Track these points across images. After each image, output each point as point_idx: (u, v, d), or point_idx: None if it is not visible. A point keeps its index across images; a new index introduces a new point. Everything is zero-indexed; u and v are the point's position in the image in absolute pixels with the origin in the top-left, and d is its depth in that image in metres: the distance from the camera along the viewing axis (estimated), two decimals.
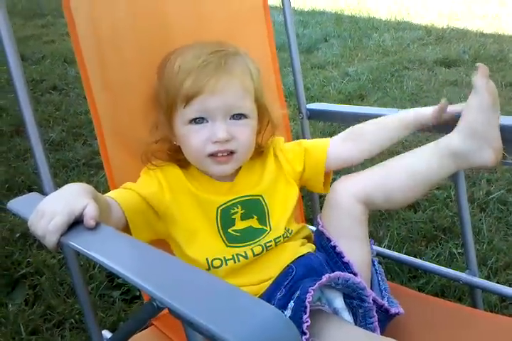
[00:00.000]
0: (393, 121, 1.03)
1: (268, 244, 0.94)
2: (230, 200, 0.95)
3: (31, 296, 1.60)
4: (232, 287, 0.53)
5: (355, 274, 0.88)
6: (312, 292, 0.79)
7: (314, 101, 1.37)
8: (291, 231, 0.99)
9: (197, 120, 0.91)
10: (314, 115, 1.34)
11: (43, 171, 0.92)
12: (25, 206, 0.76)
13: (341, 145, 1.03)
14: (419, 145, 0.96)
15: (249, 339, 0.46)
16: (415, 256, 1.60)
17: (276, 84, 1.25)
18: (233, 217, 0.95)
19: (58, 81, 3.66)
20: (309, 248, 0.98)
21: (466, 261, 1.18)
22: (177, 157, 0.98)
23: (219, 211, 0.94)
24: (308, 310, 0.78)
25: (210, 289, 0.54)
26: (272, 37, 1.25)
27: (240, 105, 0.91)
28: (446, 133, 0.95)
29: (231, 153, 0.92)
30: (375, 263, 0.98)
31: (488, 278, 1.56)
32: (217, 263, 0.92)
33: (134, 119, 1.04)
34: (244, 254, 0.93)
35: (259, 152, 1.02)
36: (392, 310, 0.90)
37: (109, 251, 0.64)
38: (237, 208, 0.95)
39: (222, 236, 0.94)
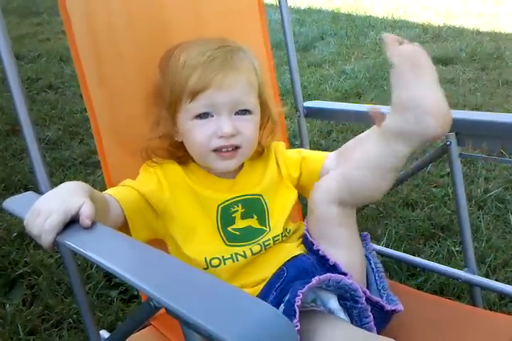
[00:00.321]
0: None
1: (267, 243, 0.94)
2: (231, 198, 0.95)
3: (29, 296, 1.60)
4: (230, 286, 0.53)
5: (345, 274, 0.86)
6: (301, 295, 0.78)
7: (311, 100, 1.37)
8: (290, 230, 0.98)
9: (202, 115, 0.91)
10: (311, 113, 1.33)
11: (38, 170, 0.92)
12: (21, 205, 0.76)
13: (335, 159, 0.99)
14: None
15: (248, 338, 0.45)
16: (414, 255, 1.60)
17: (271, 83, 1.25)
18: (233, 215, 0.95)
19: (54, 79, 3.65)
20: (303, 249, 0.96)
21: (465, 258, 1.17)
22: (178, 154, 0.98)
23: (219, 208, 0.94)
24: (297, 314, 0.76)
25: (207, 288, 0.53)
26: (267, 35, 1.24)
27: (245, 101, 0.92)
28: None
29: (236, 148, 0.92)
30: (371, 261, 0.97)
31: (486, 275, 1.56)
32: (215, 262, 0.91)
33: (131, 117, 1.03)
34: (243, 254, 0.92)
35: (260, 152, 1.02)
36: (388, 307, 0.88)
37: (105, 251, 0.64)
38: (238, 207, 0.95)
39: (222, 235, 0.94)
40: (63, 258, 0.96)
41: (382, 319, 0.90)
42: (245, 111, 0.92)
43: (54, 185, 0.79)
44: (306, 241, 0.94)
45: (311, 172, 1.01)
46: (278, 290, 0.88)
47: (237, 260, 0.92)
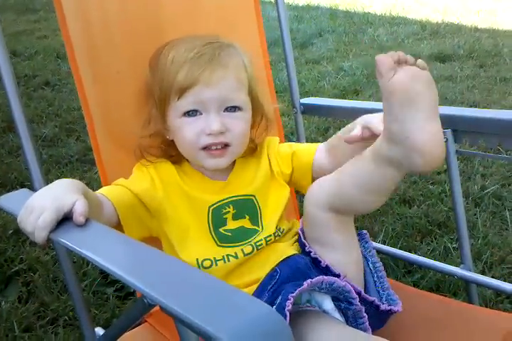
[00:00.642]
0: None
1: (259, 243, 0.93)
2: (222, 200, 0.94)
3: (24, 293, 1.59)
4: (224, 284, 0.52)
5: (338, 276, 0.85)
6: (292, 299, 0.77)
7: (309, 96, 1.37)
8: (283, 230, 0.98)
9: (191, 112, 0.90)
10: (308, 110, 1.33)
11: (33, 167, 0.91)
12: (15, 202, 0.76)
13: (324, 154, 0.99)
14: None
15: (242, 336, 0.45)
16: (410, 251, 1.60)
17: (267, 79, 1.24)
18: (225, 216, 0.94)
19: (51, 76, 3.64)
20: (297, 249, 0.95)
21: (461, 255, 1.17)
22: (170, 152, 0.97)
23: (210, 210, 0.93)
24: (288, 318, 0.75)
25: (201, 286, 0.53)
26: (263, 32, 1.24)
27: (234, 97, 0.91)
28: None
29: (225, 146, 0.91)
30: (369, 261, 0.95)
31: (483, 272, 1.57)
32: (207, 263, 0.91)
33: (126, 115, 1.03)
34: (234, 255, 0.92)
35: (252, 149, 1.01)
36: (382, 307, 0.87)
37: (99, 248, 0.63)
38: (229, 208, 0.94)
39: (214, 236, 0.93)
40: (58, 255, 0.96)
41: (379, 318, 0.89)
42: (235, 108, 0.91)
43: (50, 182, 0.79)
44: (300, 242, 0.94)
45: (303, 167, 1.00)
46: (270, 291, 0.86)
47: (229, 261, 0.91)
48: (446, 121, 0.94)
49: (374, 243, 1.26)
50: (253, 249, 0.93)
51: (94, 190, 0.85)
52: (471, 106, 2.86)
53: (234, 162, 0.99)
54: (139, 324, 1.04)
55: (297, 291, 0.78)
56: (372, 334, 0.85)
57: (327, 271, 0.87)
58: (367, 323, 0.84)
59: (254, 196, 0.97)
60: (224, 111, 0.90)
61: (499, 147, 0.96)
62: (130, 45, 1.04)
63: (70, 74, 0.98)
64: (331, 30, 4.95)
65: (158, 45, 0.97)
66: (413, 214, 1.93)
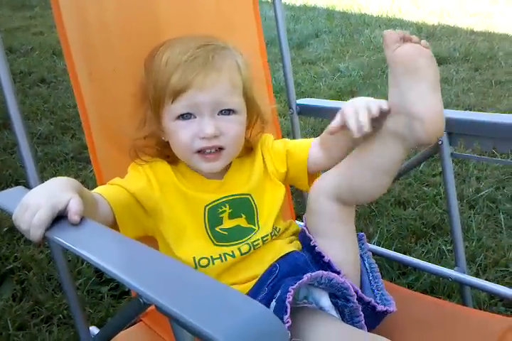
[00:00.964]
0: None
1: (255, 243, 0.94)
2: (218, 199, 0.94)
3: (19, 291, 1.59)
4: (220, 284, 0.52)
5: (338, 273, 0.87)
6: (292, 291, 0.78)
7: (305, 97, 1.37)
8: (279, 229, 0.98)
9: (185, 115, 0.90)
10: (304, 111, 1.33)
11: (28, 165, 0.91)
12: (10, 200, 0.75)
13: (318, 149, 1.00)
14: None
15: (237, 336, 0.45)
16: (405, 253, 1.60)
17: (265, 79, 1.24)
18: (221, 216, 0.94)
19: (47, 73, 3.62)
20: (295, 246, 0.97)
21: (455, 258, 1.18)
22: (166, 153, 0.97)
23: (206, 209, 0.93)
24: (288, 310, 0.77)
25: (197, 286, 0.53)
26: (261, 32, 1.24)
27: (227, 101, 0.90)
28: None
29: (220, 149, 0.91)
30: (366, 261, 0.97)
31: (477, 275, 1.57)
32: (204, 262, 0.91)
33: (121, 113, 1.02)
34: (231, 253, 0.92)
35: (248, 149, 1.01)
36: (379, 308, 0.89)
37: (94, 247, 0.63)
38: (225, 207, 0.94)
39: (210, 235, 0.93)
40: (53, 253, 0.95)
41: (374, 318, 0.90)
42: (229, 111, 0.91)
43: (45, 180, 0.78)
44: (304, 237, 0.94)
45: (297, 163, 1.01)
46: (270, 286, 0.88)
47: (226, 260, 0.91)
48: None
49: (369, 244, 1.27)
50: (250, 248, 0.93)
51: (89, 188, 0.85)
52: (466, 109, 2.87)
53: (230, 162, 0.98)
54: (134, 323, 1.04)
55: (297, 284, 0.79)
56: None
57: (328, 267, 0.88)
58: (363, 321, 0.85)
59: (250, 195, 0.97)
60: (218, 114, 0.90)
61: (494, 150, 0.97)
62: (127, 42, 1.04)
63: (65, 72, 0.98)
64: (328, 30, 4.95)
65: (155, 43, 0.96)
66: (408, 216, 1.93)
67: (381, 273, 0.97)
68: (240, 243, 0.93)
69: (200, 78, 0.87)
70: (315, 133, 2.68)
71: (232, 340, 0.44)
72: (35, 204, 0.68)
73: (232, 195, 0.96)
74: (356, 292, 0.86)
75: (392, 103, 0.82)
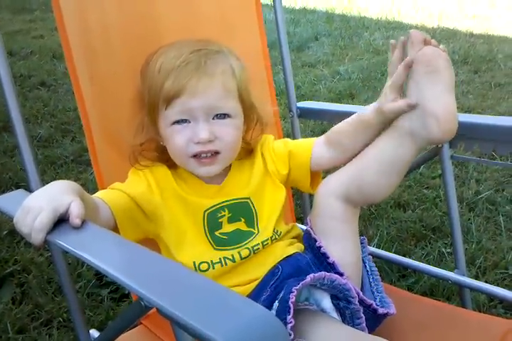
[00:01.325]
0: (361, 123, 0.94)
1: (255, 247, 0.94)
2: (217, 204, 0.94)
3: (18, 294, 1.59)
4: (221, 286, 0.53)
5: (341, 275, 0.87)
6: (295, 292, 0.79)
7: (305, 100, 1.37)
8: (280, 232, 0.98)
9: (180, 121, 0.90)
10: (305, 113, 1.33)
11: (29, 168, 0.91)
12: (11, 203, 0.75)
13: (324, 148, 1.00)
14: None
15: (238, 338, 0.45)
16: (404, 256, 1.60)
17: (267, 81, 1.25)
18: (220, 220, 0.94)
19: (47, 77, 3.63)
20: (297, 248, 0.97)
21: (455, 260, 1.18)
22: (165, 157, 0.97)
23: (206, 214, 0.93)
24: (291, 310, 0.77)
25: (198, 288, 0.53)
26: (264, 34, 1.24)
27: (221, 105, 0.90)
28: None
29: (215, 153, 0.91)
30: (367, 263, 0.97)
31: (476, 277, 1.57)
32: (204, 266, 0.91)
33: (122, 116, 1.03)
34: (231, 257, 0.92)
35: (248, 151, 1.01)
36: (380, 310, 0.89)
37: (95, 250, 0.63)
38: (224, 212, 0.94)
39: (210, 240, 0.93)
40: (53, 256, 0.95)
41: (373, 321, 0.90)
42: (224, 115, 0.91)
43: (45, 183, 0.79)
44: (308, 238, 0.94)
45: (300, 164, 1.00)
46: (272, 287, 0.88)
47: (226, 264, 0.91)
48: None
49: (369, 247, 1.27)
50: (250, 252, 0.93)
51: (89, 191, 0.85)
52: (465, 112, 2.87)
53: (230, 165, 0.99)
54: (135, 326, 1.04)
55: (300, 285, 0.80)
56: None
57: (331, 268, 0.89)
58: (364, 324, 0.86)
59: (249, 198, 0.97)
60: (213, 119, 0.90)
61: (493, 152, 0.97)
62: (128, 46, 1.04)
63: (65, 75, 0.98)
64: (327, 33, 4.96)
65: (156, 47, 0.97)
66: (408, 218, 1.93)
67: (381, 276, 0.98)
68: (240, 247, 0.93)
69: (193, 83, 0.87)
70: (314, 135, 2.65)
71: None
72: (36, 207, 0.68)
73: (231, 200, 0.96)
74: (358, 294, 0.86)
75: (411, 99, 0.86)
